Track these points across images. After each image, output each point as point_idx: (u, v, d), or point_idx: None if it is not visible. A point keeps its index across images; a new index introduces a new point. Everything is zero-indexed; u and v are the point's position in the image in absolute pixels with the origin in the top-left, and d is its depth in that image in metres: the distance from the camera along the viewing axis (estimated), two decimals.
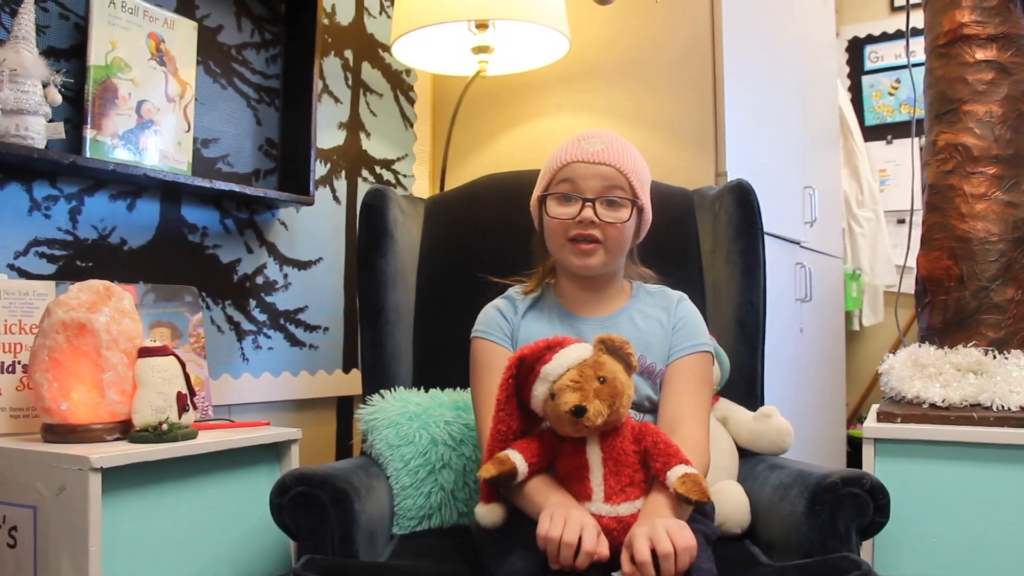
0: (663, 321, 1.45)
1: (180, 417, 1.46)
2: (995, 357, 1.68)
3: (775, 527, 1.45)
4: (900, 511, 1.43)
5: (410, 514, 1.56)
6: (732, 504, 1.50)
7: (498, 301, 1.51)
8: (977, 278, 1.74)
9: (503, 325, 1.46)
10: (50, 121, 1.52)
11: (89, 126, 1.62)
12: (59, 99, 1.53)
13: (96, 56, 1.63)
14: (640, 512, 1.18)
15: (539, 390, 1.21)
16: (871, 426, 1.62)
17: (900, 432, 1.60)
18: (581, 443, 1.22)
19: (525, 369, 1.23)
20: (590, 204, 1.37)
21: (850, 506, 1.31)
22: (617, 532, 1.15)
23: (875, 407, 1.70)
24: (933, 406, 1.64)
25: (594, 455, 1.21)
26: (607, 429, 1.21)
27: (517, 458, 1.22)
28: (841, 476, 1.32)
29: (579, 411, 1.16)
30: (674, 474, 1.16)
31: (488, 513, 1.25)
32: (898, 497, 1.37)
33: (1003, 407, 1.57)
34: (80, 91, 1.63)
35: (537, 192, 1.46)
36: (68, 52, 1.64)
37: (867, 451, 1.61)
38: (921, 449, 1.58)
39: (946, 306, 1.78)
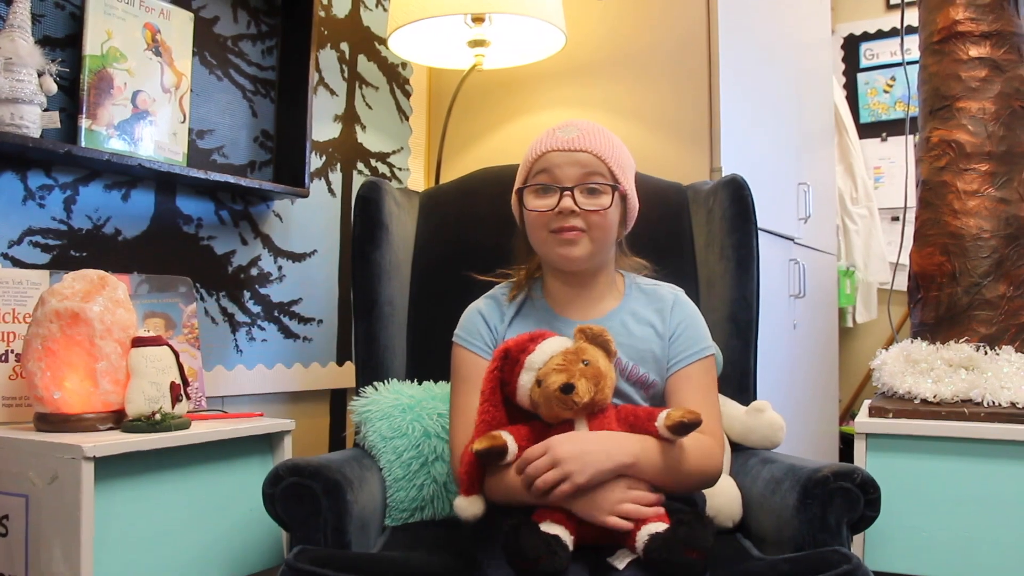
0: (657, 327, 1.40)
1: (173, 407, 1.46)
2: (986, 353, 1.69)
3: (766, 521, 1.45)
4: (891, 506, 1.44)
5: (402, 506, 1.56)
6: (724, 498, 1.51)
7: (482, 303, 1.46)
8: (969, 274, 1.75)
9: (485, 334, 1.41)
10: (45, 110, 1.52)
11: (84, 116, 1.61)
12: (54, 88, 1.53)
13: (92, 46, 1.62)
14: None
15: (525, 379, 1.23)
16: (863, 421, 1.63)
17: (891, 427, 1.61)
18: (569, 426, 1.23)
19: (510, 361, 1.24)
20: (568, 193, 1.32)
21: (841, 500, 1.31)
22: None
23: (867, 402, 1.71)
24: (925, 401, 1.64)
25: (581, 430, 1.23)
26: (594, 410, 1.23)
27: (508, 438, 1.22)
28: (832, 470, 1.33)
29: (568, 388, 1.18)
30: (660, 417, 1.21)
31: (469, 506, 1.24)
32: (889, 492, 1.37)
33: (994, 403, 1.58)
34: (75, 80, 1.62)
35: (515, 187, 1.42)
36: (64, 41, 1.63)
37: (858, 446, 1.62)
38: (912, 444, 1.59)
39: (938, 302, 1.78)
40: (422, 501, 1.57)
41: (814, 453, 2.82)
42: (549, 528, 1.14)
